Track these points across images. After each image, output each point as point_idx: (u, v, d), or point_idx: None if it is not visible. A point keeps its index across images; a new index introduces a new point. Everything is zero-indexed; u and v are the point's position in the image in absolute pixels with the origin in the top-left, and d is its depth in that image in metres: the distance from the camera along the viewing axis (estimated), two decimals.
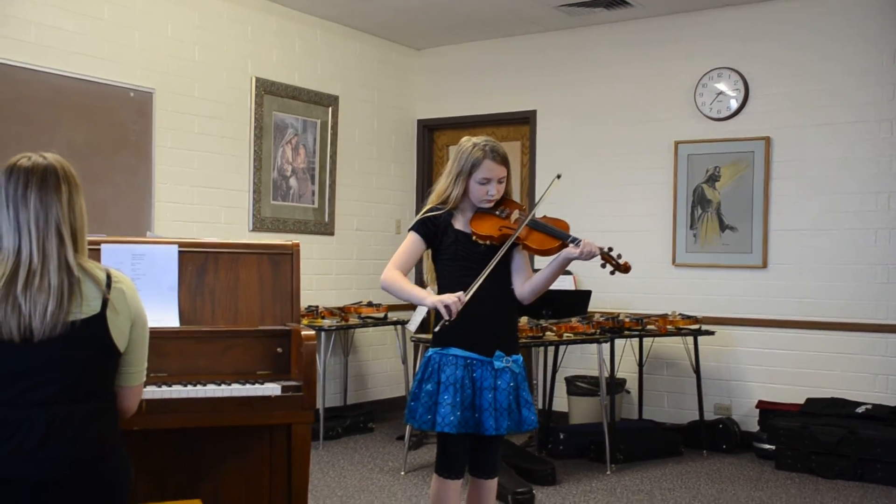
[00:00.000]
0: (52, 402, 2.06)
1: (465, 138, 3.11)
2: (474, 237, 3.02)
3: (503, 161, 3.05)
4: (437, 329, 2.89)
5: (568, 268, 6.16)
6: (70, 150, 4.93)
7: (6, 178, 2.11)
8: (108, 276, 2.16)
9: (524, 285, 3.08)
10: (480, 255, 3.01)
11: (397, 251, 3.08)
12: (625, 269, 2.97)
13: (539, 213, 3.12)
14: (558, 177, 3.20)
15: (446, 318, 2.84)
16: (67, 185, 2.14)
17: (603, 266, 3.00)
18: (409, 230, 3.09)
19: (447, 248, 3.05)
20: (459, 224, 3.07)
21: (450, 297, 2.85)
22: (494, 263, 2.95)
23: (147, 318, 2.27)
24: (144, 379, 2.30)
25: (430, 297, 2.94)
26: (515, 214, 3.05)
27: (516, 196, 3.18)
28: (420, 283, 4.95)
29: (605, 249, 2.97)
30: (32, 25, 4.90)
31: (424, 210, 3.11)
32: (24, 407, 2.05)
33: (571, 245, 2.94)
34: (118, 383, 2.23)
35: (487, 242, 3.01)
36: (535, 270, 3.18)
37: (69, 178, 2.15)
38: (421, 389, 3.02)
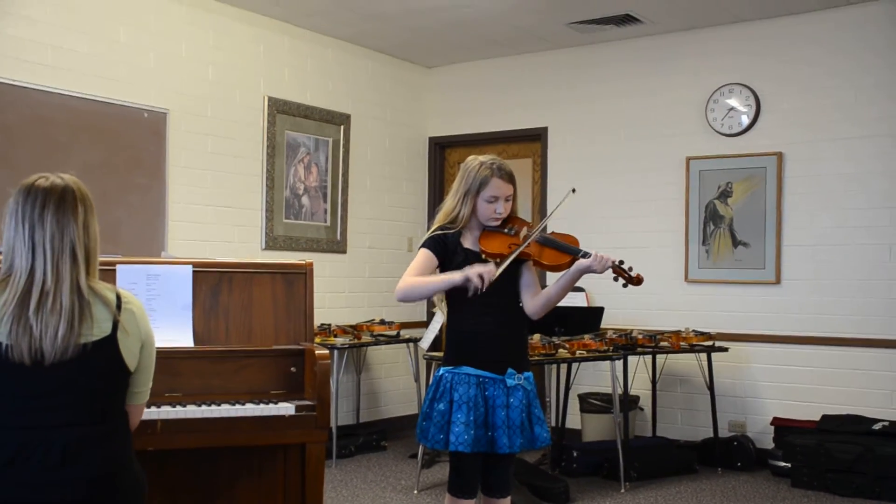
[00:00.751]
0: (67, 424, 2.07)
1: (471, 157, 3.13)
2: (484, 255, 3.03)
3: (510, 179, 3.06)
4: (469, 295, 2.84)
5: (580, 284, 6.16)
6: (85, 171, 4.97)
7: (23, 197, 2.11)
8: (118, 298, 2.17)
9: (535, 298, 3.08)
10: None
11: (410, 266, 3.06)
12: (637, 281, 2.96)
13: (548, 229, 3.13)
14: (573, 191, 3.20)
15: (478, 286, 2.80)
16: (84, 206, 2.15)
17: (615, 279, 2.99)
18: (421, 247, 3.10)
19: (457, 267, 3.05)
20: (468, 243, 3.08)
21: (482, 267, 2.82)
22: (514, 257, 2.95)
23: (155, 338, 2.28)
24: (147, 398, 2.31)
25: (457, 274, 2.87)
26: (524, 231, 3.06)
27: (528, 213, 3.20)
28: (429, 304, 4.97)
29: (617, 262, 2.97)
30: (49, 48, 4.96)
31: (433, 229, 3.11)
32: (40, 430, 2.05)
33: (583, 259, 2.95)
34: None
35: (498, 260, 3.01)
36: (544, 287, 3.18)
37: (85, 200, 2.16)
38: (433, 409, 3.01)
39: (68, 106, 5.02)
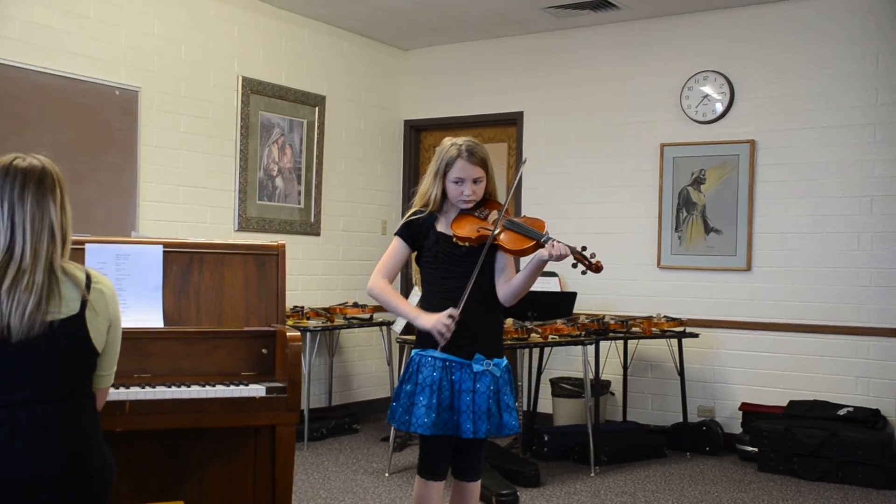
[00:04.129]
0: (33, 402, 2.06)
1: (446, 139, 3.11)
2: (455, 239, 3.01)
3: (479, 161, 3.01)
4: (438, 350, 2.94)
5: (554, 269, 6.19)
6: (55, 149, 4.90)
7: (1, 176, 2.11)
8: (88, 277, 2.16)
9: (504, 286, 3.07)
10: (461, 257, 3.00)
11: (383, 257, 3.09)
12: (596, 268, 2.93)
13: (522, 212, 3.13)
14: (524, 162, 3.20)
15: (441, 343, 2.90)
16: (60, 188, 2.17)
17: (574, 266, 2.96)
18: (394, 234, 3.10)
19: (428, 251, 3.05)
20: (442, 226, 3.07)
21: (442, 323, 2.88)
22: (478, 269, 2.95)
23: (122, 321, 2.28)
24: (112, 382, 2.31)
25: (421, 318, 2.96)
26: (494, 215, 3.02)
27: (502, 198, 3.17)
28: (408, 282, 4.97)
29: (579, 249, 2.93)
30: (17, 22, 4.87)
31: (409, 213, 3.10)
32: (5, 407, 2.04)
33: (541, 249, 2.93)
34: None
35: (466, 244, 3.00)
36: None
37: (61, 181, 2.18)
38: (401, 390, 3.03)
39: (37, 82, 4.94)
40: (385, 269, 3.06)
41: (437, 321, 2.90)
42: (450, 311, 2.90)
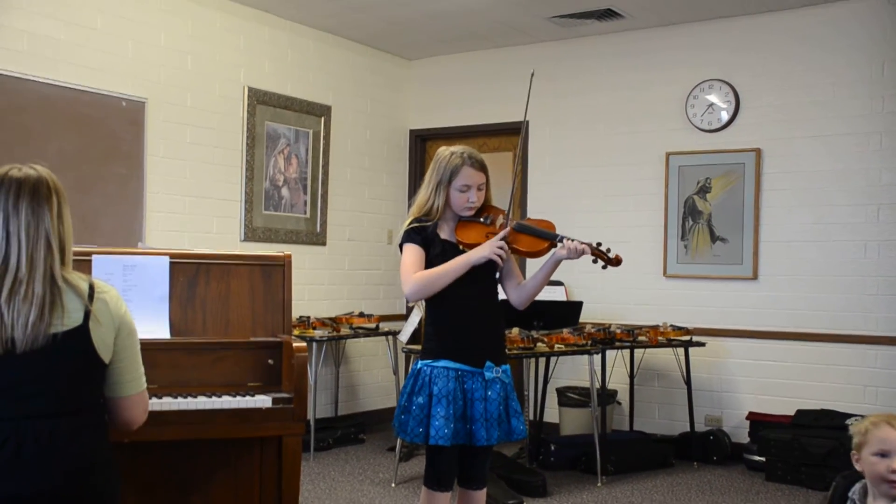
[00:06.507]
0: (39, 415, 2.05)
1: (441, 148, 3.13)
2: (462, 246, 3.03)
3: (482, 167, 3.07)
4: (498, 271, 3.00)
5: (559, 278, 6.18)
6: (61, 160, 4.92)
7: None
8: (91, 287, 2.15)
9: (517, 290, 3.10)
10: None
11: (405, 266, 3.02)
12: (616, 262, 2.98)
13: (525, 214, 3.16)
14: (532, 74, 3.41)
15: (501, 261, 2.96)
16: (57, 196, 2.14)
17: (595, 261, 3.00)
18: (403, 243, 3.05)
19: (435, 259, 3.05)
20: (445, 234, 3.08)
21: (496, 245, 2.94)
22: (499, 271, 2.98)
23: (135, 325, 2.25)
24: (144, 387, 2.27)
25: (475, 253, 2.97)
26: (500, 220, 3.06)
27: (497, 202, 3.21)
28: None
29: (594, 245, 2.98)
30: (24, 35, 4.89)
31: (408, 223, 3.09)
32: (10, 421, 2.03)
33: (560, 244, 2.96)
34: (116, 394, 2.20)
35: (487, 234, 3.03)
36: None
37: (58, 191, 2.15)
38: (412, 402, 3.00)
39: (44, 94, 4.96)
40: (413, 271, 3.00)
41: (491, 246, 2.94)
42: (500, 234, 2.97)
